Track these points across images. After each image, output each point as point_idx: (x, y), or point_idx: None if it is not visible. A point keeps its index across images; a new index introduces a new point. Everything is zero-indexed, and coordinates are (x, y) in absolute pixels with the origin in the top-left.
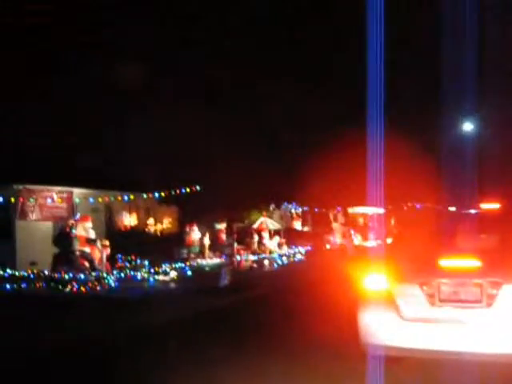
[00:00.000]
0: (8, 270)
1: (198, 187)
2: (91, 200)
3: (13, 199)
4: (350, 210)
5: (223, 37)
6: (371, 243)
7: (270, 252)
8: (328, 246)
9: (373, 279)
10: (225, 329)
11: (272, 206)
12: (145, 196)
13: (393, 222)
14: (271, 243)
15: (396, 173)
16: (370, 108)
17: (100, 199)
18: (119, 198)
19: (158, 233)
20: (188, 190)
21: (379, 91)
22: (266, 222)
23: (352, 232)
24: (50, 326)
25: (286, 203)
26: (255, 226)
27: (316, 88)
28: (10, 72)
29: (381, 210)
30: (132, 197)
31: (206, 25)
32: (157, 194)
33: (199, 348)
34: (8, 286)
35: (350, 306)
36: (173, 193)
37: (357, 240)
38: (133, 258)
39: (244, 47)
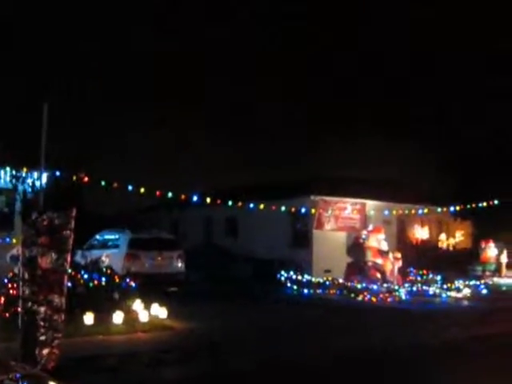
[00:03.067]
0: (306, 276)
1: (496, 201)
2: (386, 212)
3: (313, 210)
4: None
5: None
6: None
7: None
8: None
9: None
10: None
11: None
12: (439, 210)
13: None
14: None
15: None
16: None
17: (394, 211)
18: (412, 211)
19: (450, 248)
20: (485, 204)
21: None
22: None
23: None
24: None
25: None
26: None
27: None
28: None
29: None
30: (426, 210)
31: None
32: (452, 208)
33: None
34: (306, 291)
35: None
36: (468, 207)
37: None
38: (424, 272)
39: None
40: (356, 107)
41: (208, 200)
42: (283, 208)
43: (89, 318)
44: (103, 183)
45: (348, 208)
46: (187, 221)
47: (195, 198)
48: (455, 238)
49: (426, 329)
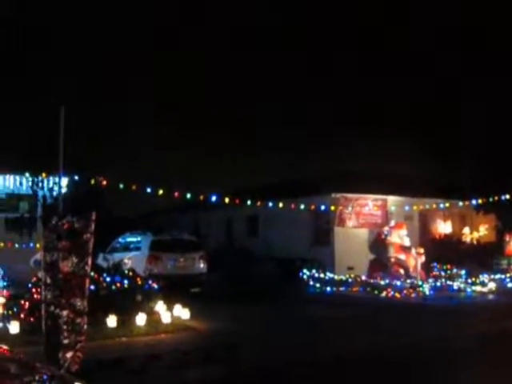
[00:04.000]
0: (329, 274)
1: None
2: (407, 208)
3: (333, 207)
4: None
5: None
6: None
7: None
8: None
9: None
10: None
11: None
12: (461, 204)
13: None
14: None
15: None
16: None
17: (415, 207)
18: (434, 206)
19: (474, 241)
20: (508, 196)
21: None
22: None
23: None
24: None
25: None
26: None
27: None
28: None
29: None
30: (448, 204)
31: None
32: (474, 201)
33: None
34: (329, 289)
35: None
36: (491, 200)
37: None
38: (448, 267)
39: None
40: (374, 103)
41: (227, 200)
42: (303, 206)
43: (112, 321)
44: (121, 186)
45: (369, 204)
46: (209, 222)
47: (214, 199)
48: (479, 232)
49: (452, 324)
